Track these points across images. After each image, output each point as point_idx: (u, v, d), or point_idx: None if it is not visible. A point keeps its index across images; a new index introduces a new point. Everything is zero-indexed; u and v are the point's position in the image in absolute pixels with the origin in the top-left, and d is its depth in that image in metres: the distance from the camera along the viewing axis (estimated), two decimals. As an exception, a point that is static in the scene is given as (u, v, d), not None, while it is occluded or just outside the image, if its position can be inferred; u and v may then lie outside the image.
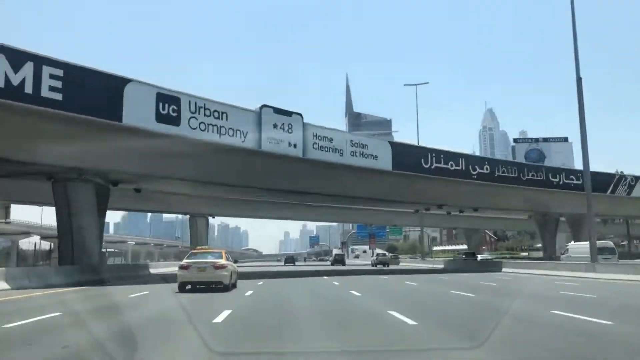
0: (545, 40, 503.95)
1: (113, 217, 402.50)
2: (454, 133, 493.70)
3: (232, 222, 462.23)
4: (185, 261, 15.58)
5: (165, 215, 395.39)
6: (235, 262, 18.87)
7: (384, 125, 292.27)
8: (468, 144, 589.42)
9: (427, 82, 53.26)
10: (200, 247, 24.92)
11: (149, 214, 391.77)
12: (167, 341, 6.47)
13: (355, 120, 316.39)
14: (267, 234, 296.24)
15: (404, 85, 76.15)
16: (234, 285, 15.95)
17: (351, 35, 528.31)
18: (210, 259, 15.64)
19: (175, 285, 15.45)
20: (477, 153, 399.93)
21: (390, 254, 78.34)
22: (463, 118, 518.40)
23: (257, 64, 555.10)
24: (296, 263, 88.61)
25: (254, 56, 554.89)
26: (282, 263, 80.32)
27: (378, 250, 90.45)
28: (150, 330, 7.48)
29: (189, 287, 15.12)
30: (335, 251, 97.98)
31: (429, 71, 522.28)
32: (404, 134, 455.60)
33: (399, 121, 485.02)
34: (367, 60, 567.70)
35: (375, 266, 51.38)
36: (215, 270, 15.08)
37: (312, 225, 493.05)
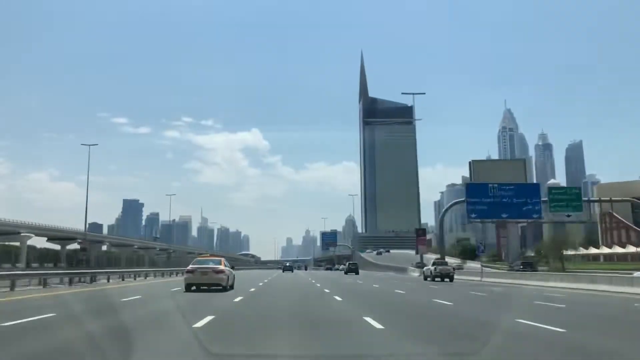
0: (562, 39, 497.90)
1: (107, 219, 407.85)
2: (471, 130, 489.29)
3: (232, 226, 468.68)
4: (191, 267, 20.22)
5: (163, 218, 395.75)
6: (233, 267, 23.11)
7: (404, 112, 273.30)
8: (484, 145, 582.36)
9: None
10: (203, 254, 29.34)
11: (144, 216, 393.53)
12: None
13: (371, 106, 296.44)
14: (269, 240, 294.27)
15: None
16: (231, 287, 20.39)
17: (368, 11, 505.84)
18: (211, 265, 20.16)
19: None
20: (495, 156, 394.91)
21: (455, 262, 69.94)
22: (480, 115, 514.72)
23: (257, 37, 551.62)
24: (306, 270, 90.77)
25: (256, 31, 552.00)
26: (277, 271, 79.56)
27: (429, 256, 78.26)
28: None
29: (193, 288, 19.55)
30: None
31: (451, 56, 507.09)
32: (427, 123, 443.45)
33: (423, 107, 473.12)
34: (384, 40, 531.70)
35: (433, 279, 37.46)
36: (215, 274, 19.65)
37: (316, 231, 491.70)
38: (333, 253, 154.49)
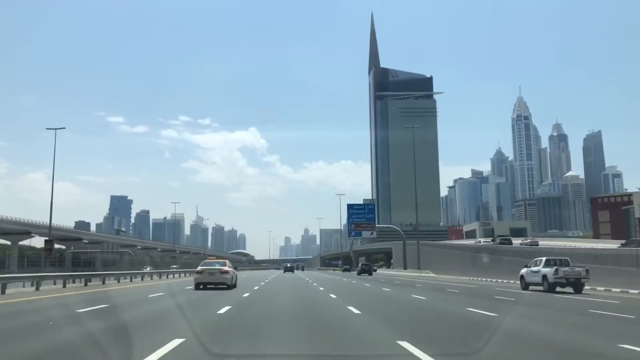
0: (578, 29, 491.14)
1: (94, 217, 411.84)
2: (482, 117, 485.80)
3: (230, 226, 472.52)
4: (200, 268, 23.63)
5: (153, 216, 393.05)
6: (236, 268, 26.34)
7: (423, 84, 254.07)
8: (494, 134, 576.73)
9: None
10: (210, 256, 32.57)
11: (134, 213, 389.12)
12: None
13: (382, 78, 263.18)
14: (266, 239, 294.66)
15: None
16: (234, 286, 23.55)
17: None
18: (217, 267, 23.53)
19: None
20: (509, 147, 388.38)
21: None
22: (491, 102, 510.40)
23: (254, 34, 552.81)
24: (302, 270, 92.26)
25: (253, 27, 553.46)
26: (276, 271, 78.11)
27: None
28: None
29: (201, 287, 22.64)
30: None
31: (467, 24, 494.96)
32: (450, 96, 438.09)
33: (442, 79, 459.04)
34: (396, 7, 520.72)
35: (552, 289, 23.15)
36: (221, 274, 23.11)
37: (315, 229, 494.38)
38: (356, 243, 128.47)
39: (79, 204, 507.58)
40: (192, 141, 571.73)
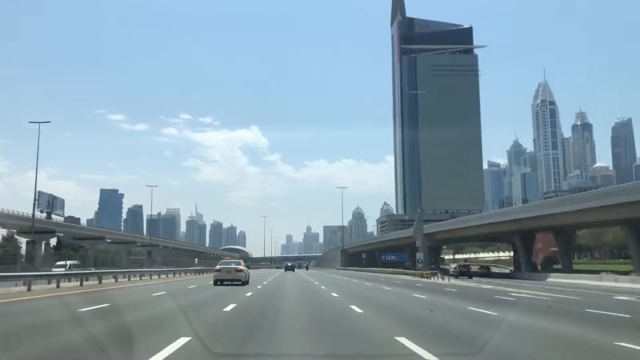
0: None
1: (85, 212, 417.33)
2: (499, 106, 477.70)
3: (226, 221, 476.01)
4: (218, 267, 29.05)
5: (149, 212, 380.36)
6: (248, 267, 31.05)
7: (459, 36, 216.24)
8: (511, 125, 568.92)
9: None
10: (226, 257, 37.40)
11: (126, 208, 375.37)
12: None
13: (408, 31, 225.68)
14: (267, 237, 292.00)
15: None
16: (247, 282, 28.62)
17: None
18: (233, 266, 28.54)
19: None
20: (528, 137, 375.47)
21: None
22: (508, 89, 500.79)
23: (259, 30, 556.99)
24: (307, 269, 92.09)
25: (257, 23, 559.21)
26: (277, 271, 75.96)
27: None
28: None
29: (219, 283, 27.75)
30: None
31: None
32: (495, 49, 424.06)
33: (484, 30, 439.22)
34: None
35: None
36: (237, 272, 28.33)
37: (317, 227, 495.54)
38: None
39: (79, 202, 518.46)
40: (193, 139, 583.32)
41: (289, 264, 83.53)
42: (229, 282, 28.04)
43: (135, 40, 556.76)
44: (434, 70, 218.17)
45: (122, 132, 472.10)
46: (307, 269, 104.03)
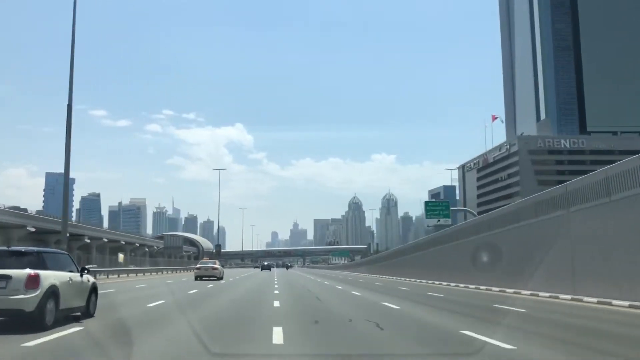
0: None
1: (35, 202, 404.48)
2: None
3: (202, 215, 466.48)
4: (198, 265, 37.81)
5: (110, 203, 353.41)
6: (223, 266, 39.20)
7: None
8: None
9: None
10: (205, 258, 45.41)
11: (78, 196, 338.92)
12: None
13: None
14: (252, 235, 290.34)
15: None
16: (221, 278, 36.76)
17: None
18: (210, 264, 37.08)
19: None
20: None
21: None
22: None
23: (242, 25, 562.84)
24: (287, 269, 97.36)
25: (240, 19, 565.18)
26: (256, 270, 72.71)
27: None
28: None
29: (199, 278, 36.00)
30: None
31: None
32: None
33: None
34: None
35: None
36: (213, 270, 38.05)
37: (305, 223, 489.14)
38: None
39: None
40: (177, 136, 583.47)
41: (266, 263, 77.79)
42: (207, 278, 37.64)
43: (117, 31, 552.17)
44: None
45: (104, 128, 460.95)
46: (287, 269, 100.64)
